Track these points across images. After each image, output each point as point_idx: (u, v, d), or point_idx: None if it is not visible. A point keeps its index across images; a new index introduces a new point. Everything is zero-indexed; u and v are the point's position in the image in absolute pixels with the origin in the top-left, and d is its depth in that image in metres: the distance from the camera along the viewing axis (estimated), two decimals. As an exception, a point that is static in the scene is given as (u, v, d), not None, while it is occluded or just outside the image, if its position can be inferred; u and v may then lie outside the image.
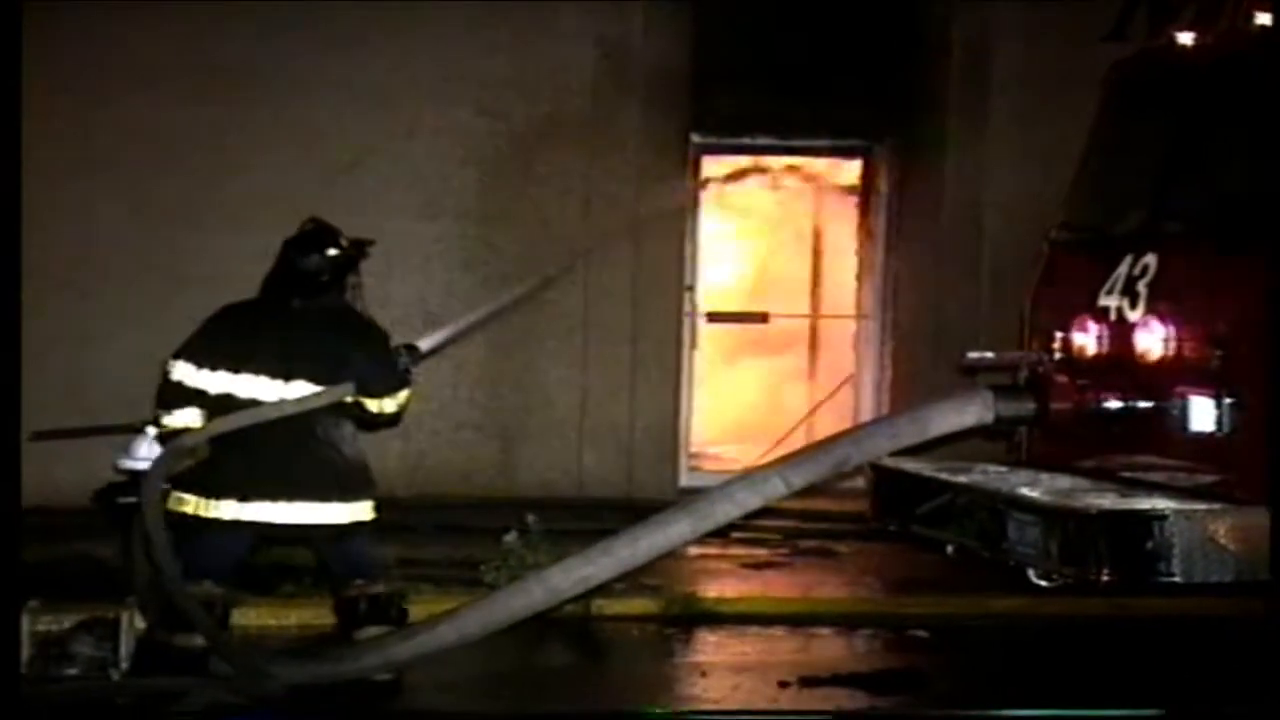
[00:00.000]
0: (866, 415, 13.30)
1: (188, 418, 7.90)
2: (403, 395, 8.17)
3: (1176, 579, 6.95)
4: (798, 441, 12.70)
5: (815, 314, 14.72)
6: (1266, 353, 7.14)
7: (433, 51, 12.59)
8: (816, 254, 14.73)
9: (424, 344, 8.61)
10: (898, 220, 13.74)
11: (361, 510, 8.00)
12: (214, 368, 7.91)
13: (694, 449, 13.75)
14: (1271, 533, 6.90)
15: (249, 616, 8.80)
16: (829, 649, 9.14)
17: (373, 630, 7.80)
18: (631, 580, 8.92)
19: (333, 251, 8.21)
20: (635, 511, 7.73)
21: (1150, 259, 7.79)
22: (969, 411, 7.52)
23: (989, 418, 7.55)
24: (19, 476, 5.69)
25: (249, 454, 7.79)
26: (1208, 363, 7.35)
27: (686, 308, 13.52)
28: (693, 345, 13.66)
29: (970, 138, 12.91)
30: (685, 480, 13.05)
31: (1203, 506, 7.08)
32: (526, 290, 10.96)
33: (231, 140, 12.26)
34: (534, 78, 12.79)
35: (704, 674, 8.52)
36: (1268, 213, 7.34)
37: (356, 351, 8.01)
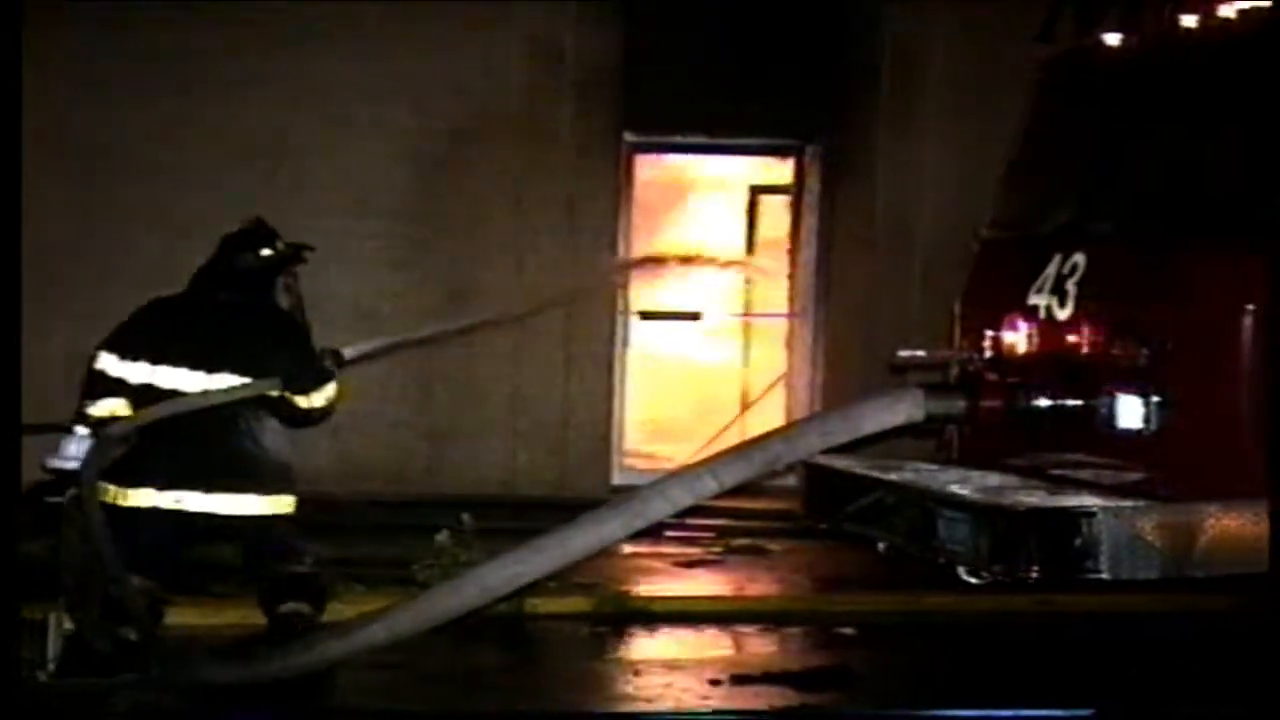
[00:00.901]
0: (799, 414, 13.33)
1: (111, 407, 7.94)
2: (330, 390, 8.24)
3: (1104, 575, 6.99)
4: (730, 440, 12.74)
5: (748, 313, 14.75)
6: (1191, 351, 7.22)
7: (365, 50, 12.55)
8: (749, 253, 14.76)
9: (348, 352, 8.65)
10: (829, 219, 13.78)
11: (279, 504, 8.05)
12: (135, 358, 7.97)
13: (626, 447, 13.76)
14: (1271, 531, 6.96)
15: (180, 616, 8.73)
16: (760, 646, 9.16)
17: (291, 605, 7.85)
18: (564, 578, 8.91)
19: (266, 251, 8.32)
20: (568, 510, 7.71)
21: (1079, 258, 7.85)
22: (900, 409, 7.55)
23: (920, 415, 7.58)
24: (19, 475, 5.65)
25: (170, 443, 7.85)
26: (1135, 361, 7.41)
27: (619, 306, 13.53)
28: (625, 344, 13.67)
29: (901, 137, 12.97)
30: (618, 478, 13.07)
31: (1129, 504, 7.14)
32: (465, 326, 11.13)
33: (163, 138, 12.20)
34: (466, 76, 12.77)
35: (636, 672, 8.53)
36: (1194, 212, 7.43)
37: (279, 347, 8.09)
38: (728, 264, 13.39)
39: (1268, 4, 7.53)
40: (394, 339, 9.62)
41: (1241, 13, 7.61)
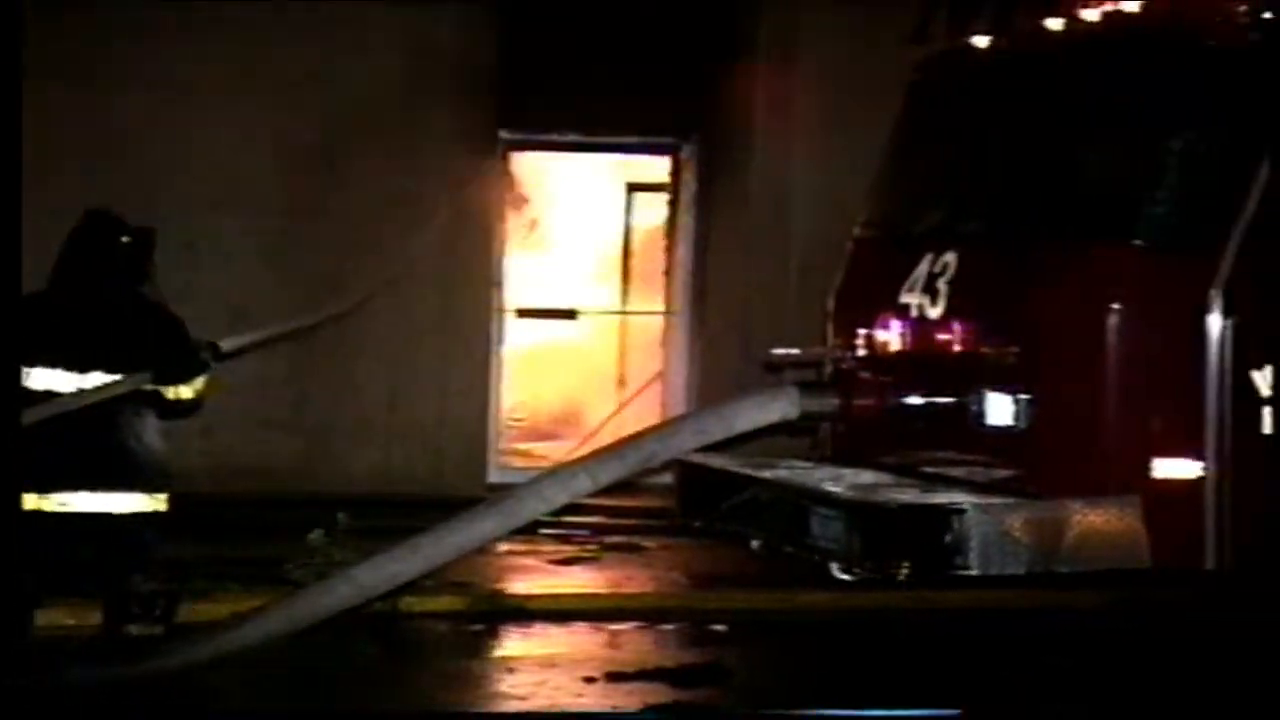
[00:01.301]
0: (675, 411, 13.37)
1: None
2: (200, 382, 8.15)
3: (973, 571, 7.08)
4: (606, 438, 12.77)
5: (624, 311, 14.79)
6: (1058, 349, 7.33)
7: (242, 46, 12.46)
8: (626, 251, 14.81)
9: (226, 344, 8.56)
10: (706, 217, 13.84)
11: (158, 502, 7.97)
12: None
13: (502, 445, 13.74)
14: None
15: (50, 617, 8.62)
16: (635, 644, 9.17)
17: (136, 629, 7.75)
18: (439, 577, 8.89)
19: (125, 238, 8.20)
20: (443, 509, 7.70)
21: (950, 257, 7.94)
22: (774, 407, 7.61)
23: (794, 414, 7.64)
24: (20, 475, 5.56)
25: (50, 445, 7.72)
26: (1005, 359, 7.51)
27: (495, 304, 13.52)
28: (501, 342, 13.66)
29: (777, 136, 13.04)
30: (494, 477, 13.06)
31: (998, 501, 7.24)
32: (343, 309, 11.01)
33: (34, 135, 11.99)
34: (341, 73, 12.71)
35: (511, 670, 8.52)
36: (1060, 212, 7.55)
37: (149, 340, 7.99)
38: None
39: (1130, 9, 7.67)
40: (275, 329, 9.51)
41: (1106, 15, 7.74)
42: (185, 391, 8.11)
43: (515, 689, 8.16)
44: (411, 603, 9.24)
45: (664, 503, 10.54)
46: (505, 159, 13.56)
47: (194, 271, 11.68)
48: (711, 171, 13.74)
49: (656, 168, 14.19)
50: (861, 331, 8.39)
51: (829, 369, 8.64)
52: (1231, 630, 8.51)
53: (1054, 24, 8.00)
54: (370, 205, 12.72)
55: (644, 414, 13.59)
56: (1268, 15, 7.21)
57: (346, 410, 12.82)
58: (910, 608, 9.46)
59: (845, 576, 8.14)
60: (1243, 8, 7.22)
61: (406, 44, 12.77)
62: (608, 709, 7.87)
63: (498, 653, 9.01)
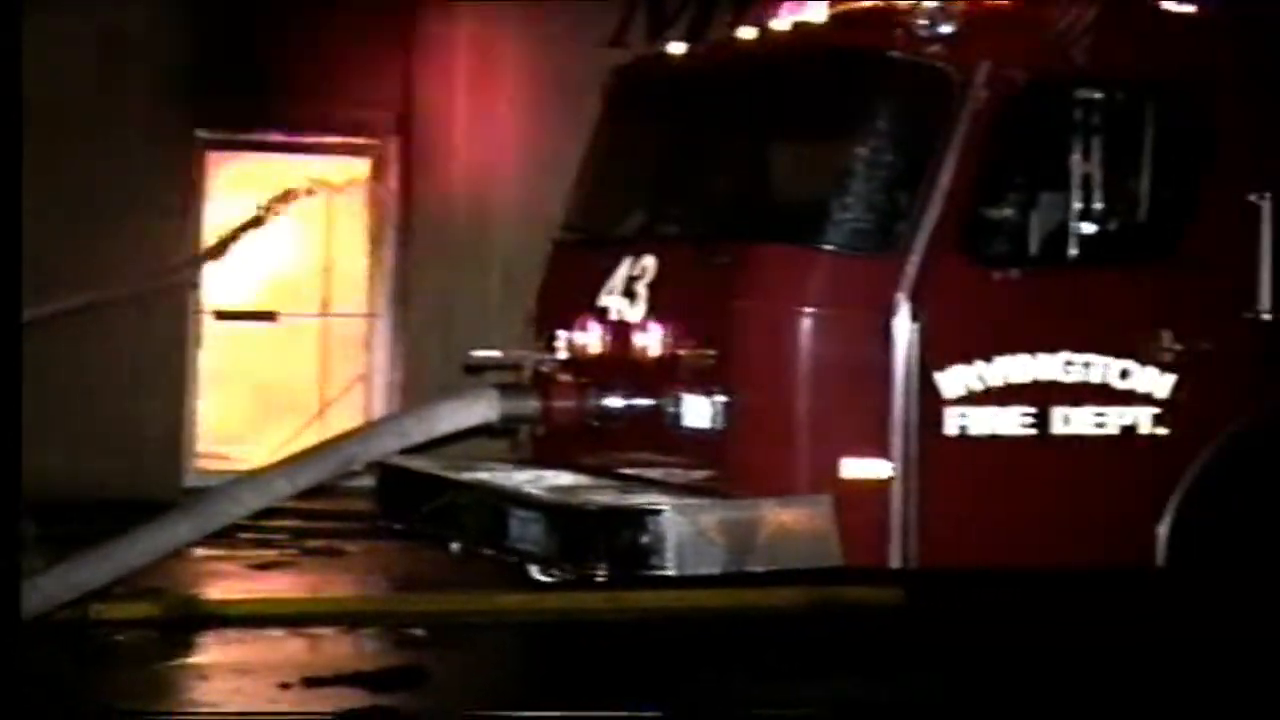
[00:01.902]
0: (377, 414, 13.30)
1: None
2: None
3: (669, 572, 7.18)
4: (308, 441, 12.62)
5: (326, 313, 14.63)
6: (752, 352, 7.47)
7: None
8: (327, 253, 14.66)
9: None
10: (408, 219, 13.79)
11: None
12: None
13: (200, 449, 13.51)
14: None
15: None
16: (333, 649, 9.09)
17: None
18: (131, 583, 8.69)
19: None
20: (137, 513, 7.55)
21: (648, 261, 8.04)
22: (475, 410, 7.66)
23: (494, 416, 7.70)
24: (19, 476, 5.91)
25: None
26: (702, 362, 7.62)
27: (192, 305, 13.29)
28: (198, 344, 13.43)
29: (479, 137, 13.06)
30: (190, 481, 12.83)
31: (694, 501, 7.34)
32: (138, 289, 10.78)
33: None
34: (36, 65, 12.30)
35: (204, 677, 8.38)
36: (754, 217, 7.70)
37: None
38: (306, 191, 13.07)
39: (817, 20, 7.86)
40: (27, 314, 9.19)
41: (794, 26, 7.92)
42: None
43: (208, 696, 8.02)
44: (101, 610, 9.03)
45: (365, 506, 10.46)
46: (201, 158, 13.31)
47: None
48: (412, 172, 13.68)
49: (358, 169, 14.09)
50: (562, 334, 8.44)
51: (529, 371, 8.66)
52: (928, 627, 8.78)
53: (745, 33, 8.16)
54: (65, 202, 12.39)
55: (346, 417, 13.48)
56: (946, 29, 7.43)
57: (36, 412, 12.40)
58: (608, 608, 9.54)
59: (544, 578, 8.20)
60: (923, 21, 7.43)
61: (101, 37, 12.48)
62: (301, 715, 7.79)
63: (191, 660, 8.84)
